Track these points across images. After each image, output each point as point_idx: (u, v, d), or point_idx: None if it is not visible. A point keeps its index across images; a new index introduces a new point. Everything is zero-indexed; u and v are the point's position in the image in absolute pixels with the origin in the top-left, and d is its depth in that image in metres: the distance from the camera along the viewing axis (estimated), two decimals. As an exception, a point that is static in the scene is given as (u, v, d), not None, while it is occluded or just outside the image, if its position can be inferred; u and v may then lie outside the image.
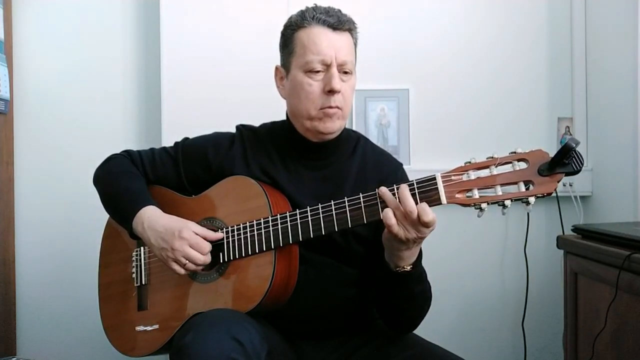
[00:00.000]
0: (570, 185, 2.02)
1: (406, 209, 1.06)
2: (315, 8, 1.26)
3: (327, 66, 1.23)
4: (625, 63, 1.82)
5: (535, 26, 2.09)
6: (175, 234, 1.23)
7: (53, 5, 2.15)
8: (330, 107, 1.23)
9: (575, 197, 2.03)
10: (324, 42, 1.22)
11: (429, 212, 1.06)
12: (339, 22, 1.24)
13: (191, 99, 2.03)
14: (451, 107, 2.09)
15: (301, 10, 1.28)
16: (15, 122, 2.12)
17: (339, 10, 1.27)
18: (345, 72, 1.25)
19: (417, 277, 1.18)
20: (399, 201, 1.08)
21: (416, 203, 1.07)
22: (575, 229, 1.64)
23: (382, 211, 1.10)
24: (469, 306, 2.10)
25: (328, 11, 1.25)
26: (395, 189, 1.10)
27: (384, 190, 1.11)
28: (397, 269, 1.15)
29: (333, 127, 1.25)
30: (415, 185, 1.10)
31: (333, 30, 1.23)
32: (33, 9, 2.14)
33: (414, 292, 1.20)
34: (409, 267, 1.15)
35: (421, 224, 1.06)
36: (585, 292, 1.58)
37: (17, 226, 2.13)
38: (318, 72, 1.23)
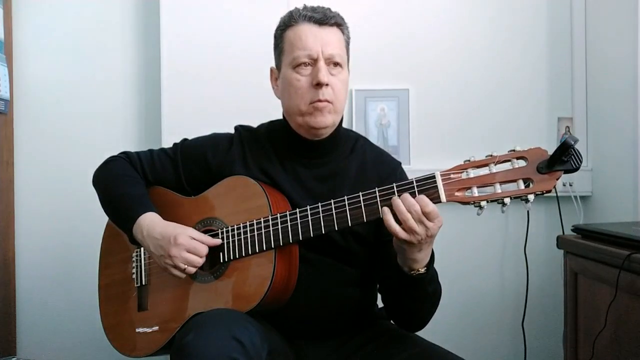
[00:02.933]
0: (570, 185, 2.02)
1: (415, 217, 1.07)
2: (303, 7, 1.28)
3: (315, 60, 1.23)
4: (626, 63, 1.82)
5: (535, 26, 2.09)
6: (171, 241, 1.23)
7: (53, 5, 2.15)
8: (320, 101, 1.23)
9: (575, 197, 2.03)
10: (309, 37, 1.23)
11: (428, 203, 1.07)
12: (325, 18, 1.25)
13: (191, 99, 2.03)
14: (451, 107, 2.09)
15: (289, 11, 1.29)
16: (15, 122, 2.12)
17: (328, 8, 1.28)
18: (335, 65, 1.25)
19: (430, 278, 1.18)
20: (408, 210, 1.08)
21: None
22: (575, 229, 1.64)
23: (382, 214, 1.10)
24: (469, 306, 2.10)
25: (315, 9, 1.27)
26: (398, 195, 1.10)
27: (397, 202, 1.09)
28: (412, 272, 1.15)
29: (325, 121, 1.25)
30: (415, 184, 1.10)
31: (319, 26, 1.24)
32: (33, 9, 2.14)
33: (427, 292, 1.20)
34: (423, 270, 1.14)
35: (425, 217, 1.07)
36: (585, 292, 1.58)
37: (17, 226, 2.13)
38: (306, 67, 1.23)
